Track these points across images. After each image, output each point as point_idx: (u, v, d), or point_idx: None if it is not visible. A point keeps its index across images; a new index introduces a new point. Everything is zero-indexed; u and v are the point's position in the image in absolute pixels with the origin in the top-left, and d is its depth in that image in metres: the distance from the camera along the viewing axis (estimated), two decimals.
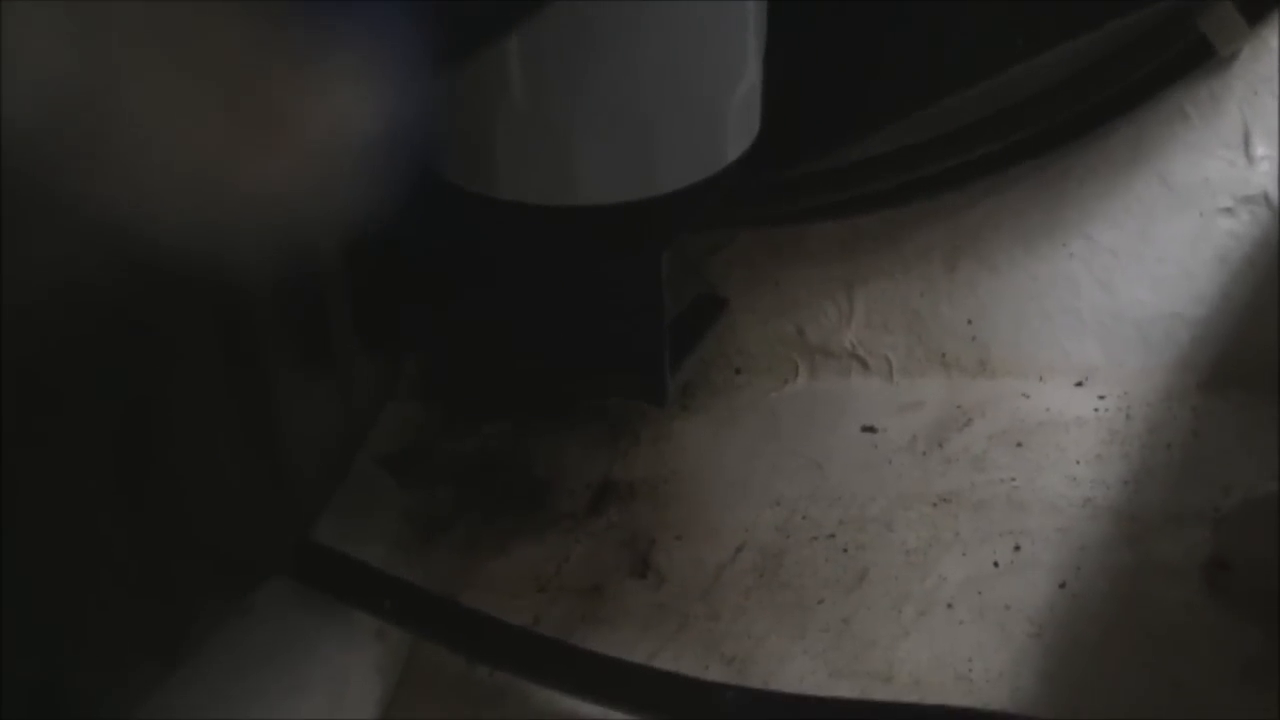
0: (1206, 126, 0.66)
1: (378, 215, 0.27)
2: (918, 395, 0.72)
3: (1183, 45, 0.63)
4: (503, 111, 0.45)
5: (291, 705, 0.54)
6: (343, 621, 0.58)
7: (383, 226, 0.27)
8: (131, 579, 0.45)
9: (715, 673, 0.57)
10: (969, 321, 0.72)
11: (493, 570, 0.66)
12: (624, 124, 0.45)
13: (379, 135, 0.25)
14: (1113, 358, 0.69)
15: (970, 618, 0.57)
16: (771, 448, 0.71)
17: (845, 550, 0.63)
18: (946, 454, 0.67)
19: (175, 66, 0.22)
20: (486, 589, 0.64)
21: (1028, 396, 0.69)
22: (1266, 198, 0.65)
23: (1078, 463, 0.64)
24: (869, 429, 0.70)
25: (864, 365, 0.74)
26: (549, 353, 0.59)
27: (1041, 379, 0.70)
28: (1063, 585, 0.58)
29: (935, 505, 0.64)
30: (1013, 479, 0.64)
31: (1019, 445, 0.67)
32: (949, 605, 0.58)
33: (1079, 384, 0.69)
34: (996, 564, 0.60)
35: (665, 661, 0.58)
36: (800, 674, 0.56)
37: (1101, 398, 0.68)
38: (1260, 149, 0.65)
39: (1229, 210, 0.66)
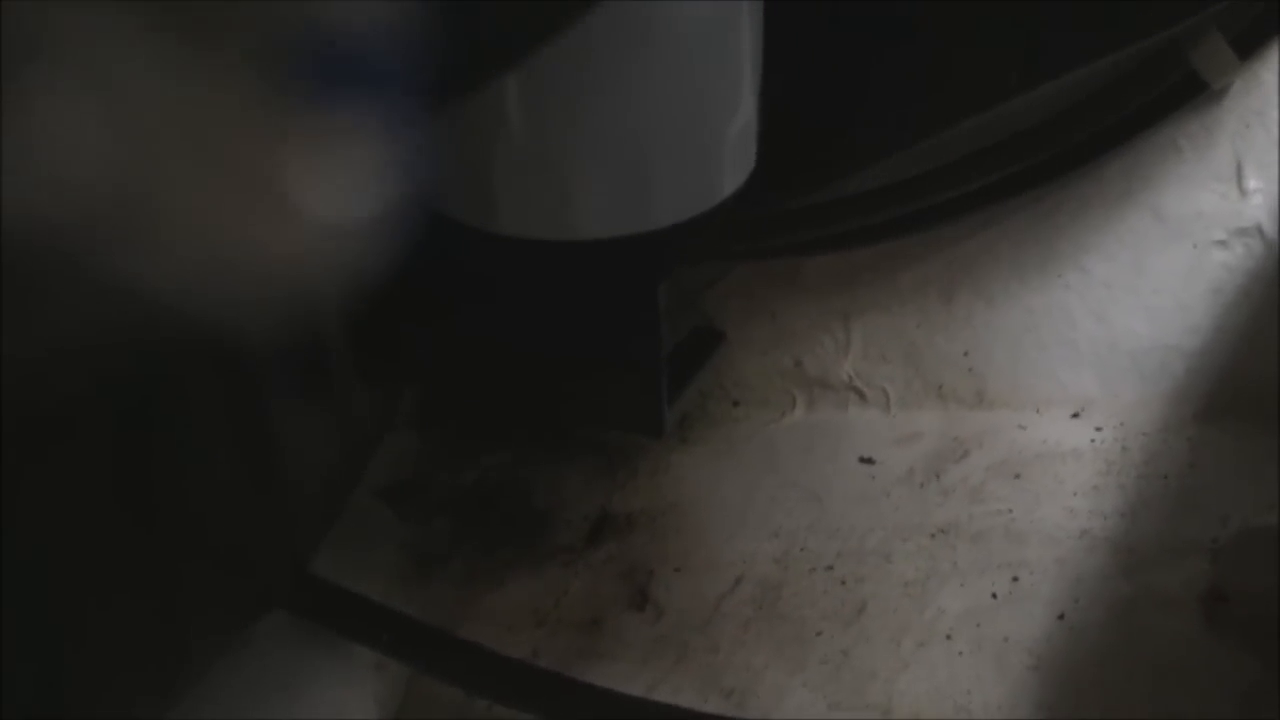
0: (1199, 160, 0.66)
1: (384, 269, 0.27)
2: (915, 427, 0.72)
3: (1175, 79, 0.64)
4: (500, 148, 0.46)
5: None
6: (341, 655, 0.58)
7: (385, 270, 0.27)
8: (131, 612, 0.46)
9: (714, 705, 0.57)
10: (966, 353, 0.72)
11: (491, 603, 0.65)
12: (621, 159, 0.46)
13: (388, 204, 0.26)
14: (1109, 389, 0.69)
15: (969, 650, 0.57)
16: (769, 480, 0.71)
17: (844, 582, 0.63)
18: (944, 485, 0.67)
19: (192, 151, 0.23)
20: (485, 622, 0.64)
21: (1024, 428, 0.70)
22: (1260, 230, 0.65)
23: (1075, 494, 0.64)
24: (867, 460, 0.70)
25: (861, 397, 0.74)
26: (546, 383, 0.59)
27: (1038, 410, 0.70)
28: (1061, 617, 0.58)
29: (933, 537, 0.64)
30: (1010, 510, 0.65)
31: (1016, 476, 0.67)
32: (948, 637, 0.58)
33: (1075, 415, 0.69)
34: (995, 595, 0.60)
35: (664, 694, 0.58)
36: (799, 706, 0.56)
37: (1098, 429, 0.68)
38: (1252, 182, 0.65)
39: (1222, 243, 0.66)
